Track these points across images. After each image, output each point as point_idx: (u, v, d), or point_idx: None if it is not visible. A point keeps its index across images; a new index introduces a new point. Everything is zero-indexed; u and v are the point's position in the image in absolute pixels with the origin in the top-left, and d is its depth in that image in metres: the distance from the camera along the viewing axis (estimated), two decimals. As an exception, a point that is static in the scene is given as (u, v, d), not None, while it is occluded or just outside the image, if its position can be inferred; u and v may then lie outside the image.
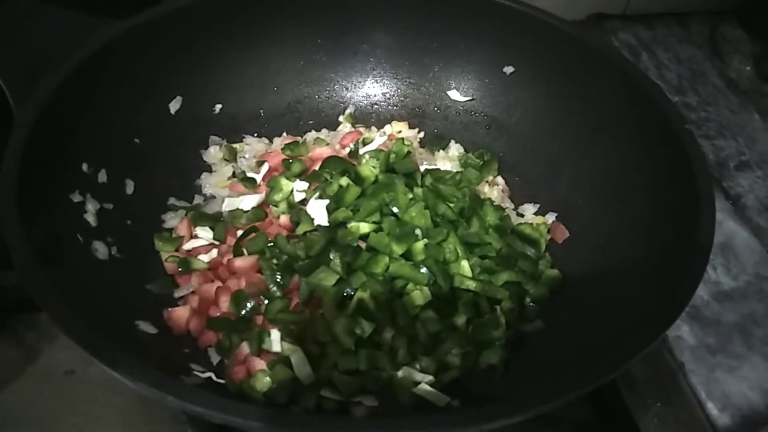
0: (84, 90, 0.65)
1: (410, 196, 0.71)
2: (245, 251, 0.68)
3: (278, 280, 0.65)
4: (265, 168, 0.78)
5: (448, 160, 0.82)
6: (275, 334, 0.60)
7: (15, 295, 0.70)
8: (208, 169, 0.80)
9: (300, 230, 0.70)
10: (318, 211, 0.70)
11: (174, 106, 0.77)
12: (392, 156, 0.75)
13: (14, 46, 0.66)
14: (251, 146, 0.83)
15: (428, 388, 0.59)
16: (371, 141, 0.81)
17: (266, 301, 0.64)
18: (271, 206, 0.74)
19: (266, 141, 0.84)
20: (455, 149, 0.84)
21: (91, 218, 0.64)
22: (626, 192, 0.70)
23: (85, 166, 0.66)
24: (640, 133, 0.69)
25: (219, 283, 0.67)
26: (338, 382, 0.58)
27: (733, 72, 1.08)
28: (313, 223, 0.69)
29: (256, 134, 0.84)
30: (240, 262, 0.67)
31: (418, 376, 0.60)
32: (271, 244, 0.69)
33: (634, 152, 0.70)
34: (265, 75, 0.83)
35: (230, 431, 0.59)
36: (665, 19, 1.16)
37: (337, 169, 0.74)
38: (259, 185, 0.77)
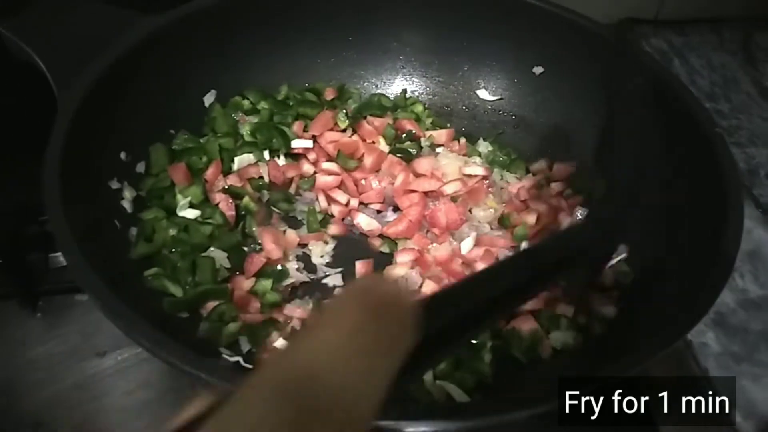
0: (123, 81, 0.67)
1: None
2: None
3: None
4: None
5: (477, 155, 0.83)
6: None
7: (50, 278, 0.72)
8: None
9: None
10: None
11: (208, 99, 0.79)
12: None
13: (59, 37, 0.68)
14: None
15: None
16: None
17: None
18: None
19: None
20: (483, 147, 0.84)
21: (127, 205, 0.66)
22: (654, 195, 0.69)
23: (123, 155, 0.68)
24: (670, 136, 0.69)
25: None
26: None
27: (766, 80, 1.06)
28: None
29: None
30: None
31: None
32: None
33: (662, 155, 0.70)
34: (296, 71, 0.85)
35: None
36: (698, 26, 1.14)
37: None
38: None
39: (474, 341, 0.60)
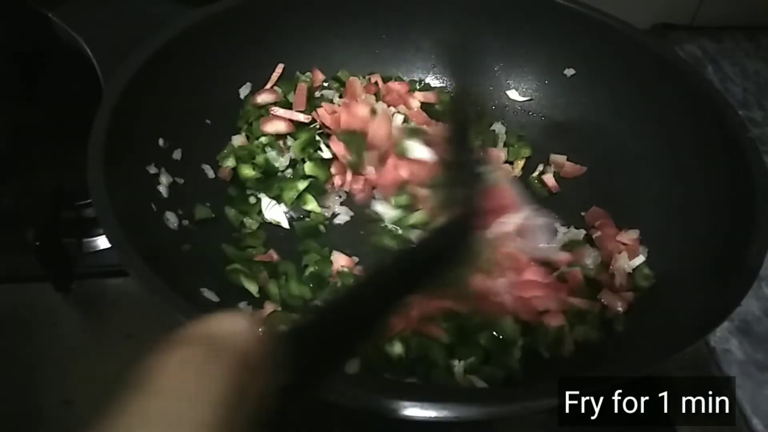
0: (164, 70, 0.69)
1: None
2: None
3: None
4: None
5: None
6: None
7: (83, 262, 0.75)
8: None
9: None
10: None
11: (244, 91, 0.81)
12: None
13: (107, 25, 0.70)
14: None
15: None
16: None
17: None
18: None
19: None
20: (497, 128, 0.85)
21: (163, 190, 0.68)
22: (681, 199, 0.70)
23: (161, 141, 0.70)
24: (701, 141, 0.69)
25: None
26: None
27: (801, 89, 1.05)
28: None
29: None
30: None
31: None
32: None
33: (692, 160, 0.70)
34: (329, 68, 0.86)
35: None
36: (733, 32, 1.13)
37: None
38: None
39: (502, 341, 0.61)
